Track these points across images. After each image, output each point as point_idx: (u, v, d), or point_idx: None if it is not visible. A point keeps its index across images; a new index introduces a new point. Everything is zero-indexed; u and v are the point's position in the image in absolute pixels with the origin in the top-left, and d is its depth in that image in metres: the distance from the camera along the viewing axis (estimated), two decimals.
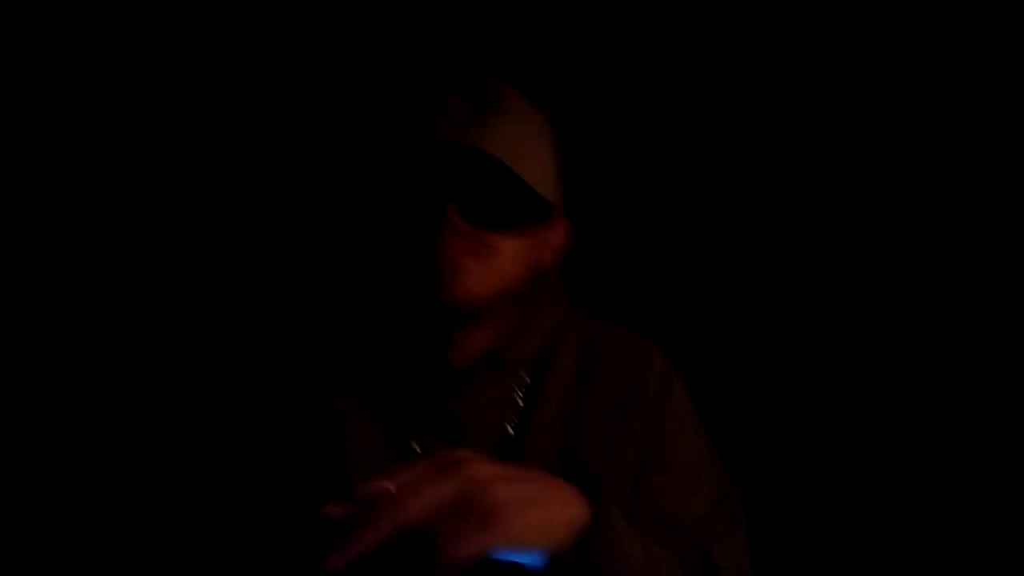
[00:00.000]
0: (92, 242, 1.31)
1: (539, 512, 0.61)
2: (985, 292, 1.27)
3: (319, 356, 0.92)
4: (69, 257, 1.30)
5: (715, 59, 1.34)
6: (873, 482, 1.30)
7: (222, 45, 1.32)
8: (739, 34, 1.33)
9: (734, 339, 1.35)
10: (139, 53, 1.31)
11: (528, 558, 0.62)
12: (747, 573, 0.88)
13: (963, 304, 1.28)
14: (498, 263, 0.83)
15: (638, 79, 1.36)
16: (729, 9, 1.33)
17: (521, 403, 0.89)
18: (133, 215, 1.32)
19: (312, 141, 1.33)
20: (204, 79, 1.32)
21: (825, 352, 1.33)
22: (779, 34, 1.32)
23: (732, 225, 1.36)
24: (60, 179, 1.30)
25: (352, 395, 0.89)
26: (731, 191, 1.35)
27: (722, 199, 1.36)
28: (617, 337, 0.95)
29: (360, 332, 0.93)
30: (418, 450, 0.85)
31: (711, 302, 1.36)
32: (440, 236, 0.81)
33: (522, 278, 0.87)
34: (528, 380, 0.90)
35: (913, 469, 1.29)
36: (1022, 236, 1.25)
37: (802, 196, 1.34)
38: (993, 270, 1.27)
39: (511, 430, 0.88)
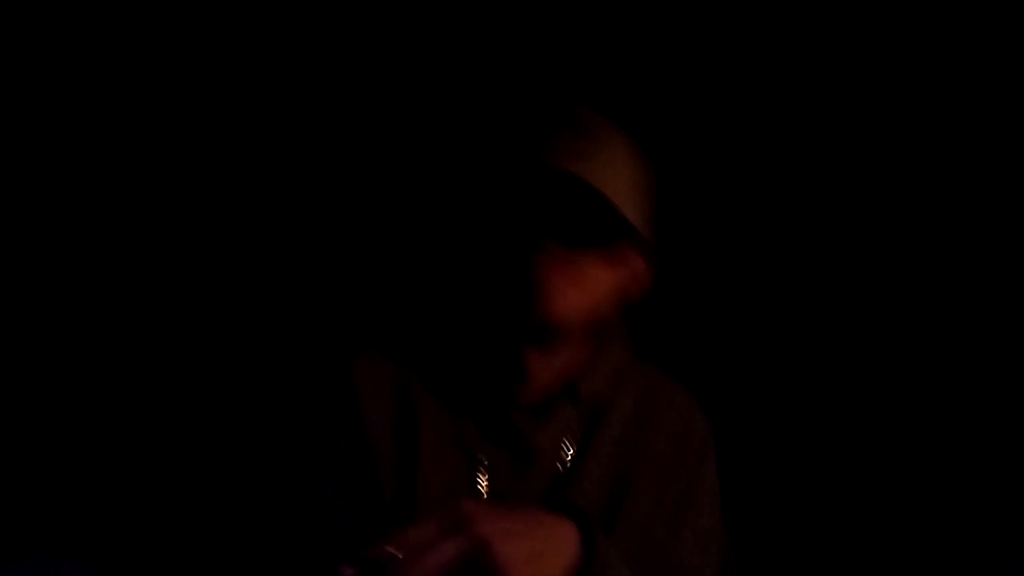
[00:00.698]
0: (168, 243, 1.36)
1: (539, 565, 0.69)
2: (984, 295, 1.27)
3: (406, 363, 0.96)
4: (145, 256, 1.36)
5: (714, 62, 1.34)
6: (873, 489, 1.30)
7: (333, 62, 1.36)
8: (739, 34, 1.33)
9: (732, 345, 1.35)
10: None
11: None
12: None
13: (962, 308, 1.28)
14: (590, 288, 0.88)
15: (635, 83, 1.35)
16: (728, 7, 1.33)
17: (585, 436, 0.94)
18: (223, 219, 1.37)
19: (420, 158, 1.37)
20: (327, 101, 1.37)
21: (822, 358, 1.33)
22: (780, 33, 1.32)
23: (729, 229, 1.36)
24: (139, 178, 1.35)
25: (431, 405, 0.93)
26: (727, 196, 1.35)
27: (718, 204, 1.36)
28: (669, 389, 1.00)
29: (449, 345, 0.97)
30: (486, 463, 0.91)
31: (707, 308, 1.36)
32: (537, 257, 0.85)
33: (609, 306, 0.91)
34: (596, 415, 0.95)
35: (912, 477, 1.29)
36: (1021, 237, 1.25)
37: (801, 200, 1.34)
38: (992, 272, 1.27)
39: (571, 461, 0.92)
